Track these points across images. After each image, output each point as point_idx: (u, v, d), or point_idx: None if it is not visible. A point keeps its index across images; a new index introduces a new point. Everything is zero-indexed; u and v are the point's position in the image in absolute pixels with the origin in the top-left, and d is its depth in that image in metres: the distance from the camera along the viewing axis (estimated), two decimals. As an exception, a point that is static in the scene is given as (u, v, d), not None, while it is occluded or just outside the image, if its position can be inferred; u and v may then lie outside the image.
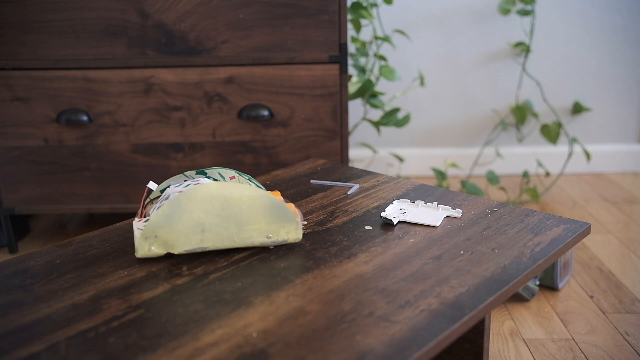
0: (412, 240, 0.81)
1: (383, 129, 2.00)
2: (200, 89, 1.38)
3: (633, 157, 2.02)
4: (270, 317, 0.64)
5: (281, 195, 0.83)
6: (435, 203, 0.92)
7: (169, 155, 1.42)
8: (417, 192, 0.99)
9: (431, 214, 0.89)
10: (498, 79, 1.96)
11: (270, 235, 0.78)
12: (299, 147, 1.41)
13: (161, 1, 1.33)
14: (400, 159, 1.84)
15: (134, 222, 0.81)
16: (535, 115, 1.91)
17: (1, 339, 0.61)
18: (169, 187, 0.81)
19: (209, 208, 0.76)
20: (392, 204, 0.94)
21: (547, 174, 1.89)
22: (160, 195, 0.82)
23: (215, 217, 0.76)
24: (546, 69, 1.95)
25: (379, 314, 0.64)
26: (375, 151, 1.85)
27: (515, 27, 1.91)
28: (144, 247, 0.75)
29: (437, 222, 0.86)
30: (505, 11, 1.81)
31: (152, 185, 0.80)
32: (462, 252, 0.77)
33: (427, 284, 0.70)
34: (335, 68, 1.37)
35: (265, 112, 1.38)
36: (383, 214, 0.87)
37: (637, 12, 1.91)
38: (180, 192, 0.78)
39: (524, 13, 1.78)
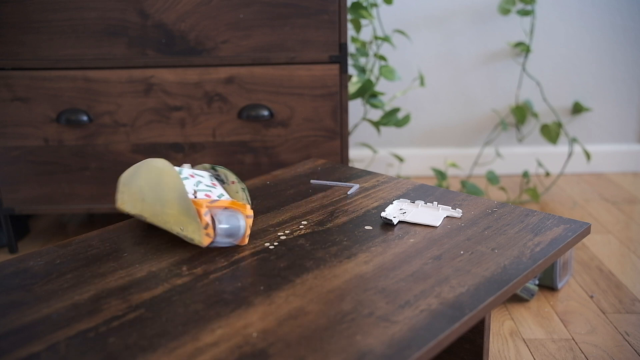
0: (412, 240, 0.81)
1: (383, 129, 2.00)
2: (200, 89, 1.38)
3: (633, 157, 2.02)
4: (270, 317, 0.64)
5: (247, 208, 0.82)
6: (435, 203, 0.92)
7: (169, 155, 1.42)
8: (417, 192, 0.99)
9: (431, 214, 0.89)
10: (498, 79, 1.96)
11: (182, 227, 0.80)
12: (299, 147, 1.41)
13: (161, 1, 1.33)
14: (400, 159, 1.84)
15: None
16: (535, 115, 1.91)
17: (1, 339, 0.61)
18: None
19: (149, 180, 0.83)
20: (392, 204, 0.94)
21: (547, 174, 1.89)
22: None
23: (151, 191, 0.83)
24: (546, 69, 1.95)
25: (379, 314, 0.64)
26: (375, 151, 1.85)
27: (515, 27, 1.91)
28: (118, 199, 0.87)
29: (437, 222, 0.86)
30: (505, 11, 1.81)
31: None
32: (462, 252, 0.77)
33: (427, 284, 0.70)
34: (335, 68, 1.37)
35: (265, 112, 1.38)
36: (383, 214, 0.87)
37: (637, 12, 1.91)
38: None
39: (524, 13, 1.78)
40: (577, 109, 1.96)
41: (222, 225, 0.77)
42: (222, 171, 0.87)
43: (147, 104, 1.39)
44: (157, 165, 0.83)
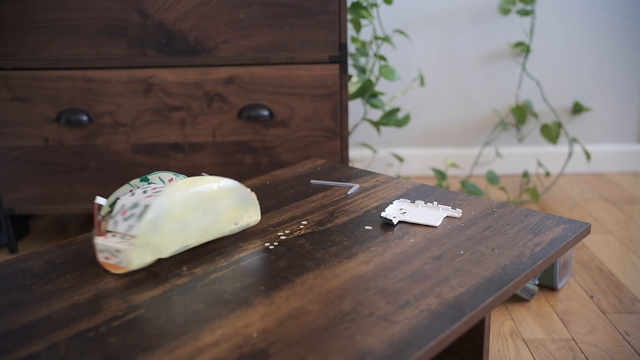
0: (412, 240, 0.81)
1: (383, 129, 2.00)
2: (200, 89, 1.38)
3: (633, 157, 2.02)
4: (270, 317, 0.64)
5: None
6: (435, 203, 0.92)
7: (169, 155, 1.42)
8: (417, 192, 0.99)
9: (431, 214, 0.89)
10: (498, 79, 1.96)
11: (237, 221, 0.82)
12: (299, 147, 1.41)
13: (161, 1, 1.33)
14: (400, 159, 1.84)
15: (96, 240, 0.74)
16: (535, 115, 1.91)
17: (1, 339, 0.61)
18: (117, 199, 0.78)
19: (188, 205, 0.76)
20: (392, 204, 0.94)
21: (547, 174, 1.89)
22: (112, 210, 0.78)
23: (194, 213, 0.77)
24: (546, 69, 1.95)
25: (379, 314, 0.64)
26: (375, 151, 1.85)
27: (515, 27, 1.91)
28: (139, 259, 0.73)
29: (437, 222, 0.86)
30: (505, 11, 1.81)
31: (101, 200, 0.77)
32: (462, 252, 0.77)
33: (427, 284, 0.70)
34: (335, 68, 1.37)
35: (265, 112, 1.38)
36: (383, 214, 0.87)
37: (637, 12, 1.91)
38: (149, 196, 0.76)
39: (524, 13, 1.78)
40: (577, 109, 1.96)
41: None
42: (154, 176, 0.85)
43: (147, 104, 1.39)
44: (187, 183, 0.77)
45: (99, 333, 0.61)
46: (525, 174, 1.83)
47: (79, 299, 0.68)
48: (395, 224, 0.86)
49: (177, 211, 0.75)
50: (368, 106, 1.98)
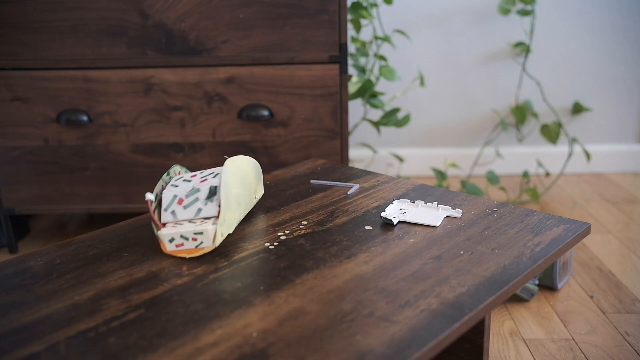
0: (412, 240, 0.81)
1: (383, 129, 2.00)
2: (200, 89, 1.38)
3: (633, 157, 2.02)
4: (270, 317, 0.64)
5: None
6: (435, 203, 0.92)
7: (169, 155, 1.42)
8: (417, 192, 0.99)
9: (431, 214, 0.89)
10: (498, 79, 1.96)
11: (256, 195, 0.89)
12: (299, 147, 1.41)
13: (161, 1, 1.33)
14: (400, 159, 1.84)
15: (162, 232, 0.77)
16: (535, 115, 1.91)
17: (1, 339, 0.61)
18: (159, 193, 0.83)
19: (239, 182, 0.83)
20: (392, 204, 0.94)
21: (547, 174, 1.89)
22: (159, 200, 0.84)
23: (241, 189, 0.84)
24: (546, 69, 1.95)
25: (379, 314, 0.64)
26: (375, 151, 1.85)
27: (515, 27, 1.91)
28: (219, 235, 0.77)
29: (437, 222, 0.86)
30: (505, 11, 1.81)
31: (150, 196, 0.80)
32: (462, 252, 0.77)
33: (427, 284, 0.70)
34: (335, 68, 1.37)
35: (265, 112, 1.38)
36: (383, 214, 0.87)
37: (637, 12, 1.91)
38: (204, 180, 0.82)
39: (524, 13, 1.78)
40: (577, 109, 1.96)
41: None
42: (173, 170, 0.88)
43: (147, 104, 1.39)
44: (234, 167, 0.82)
45: (99, 333, 0.61)
46: (525, 174, 1.83)
47: (79, 299, 0.68)
48: (395, 224, 0.86)
49: (235, 188, 0.82)
50: (368, 106, 1.98)
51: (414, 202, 0.93)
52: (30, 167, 1.42)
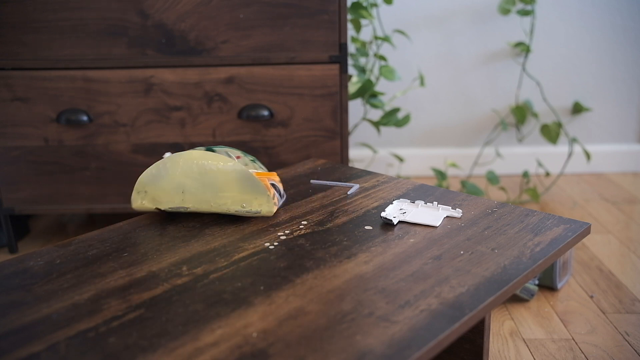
0: (412, 240, 0.81)
1: (383, 129, 2.00)
2: (200, 89, 1.38)
3: (633, 157, 2.02)
4: (270, 317, 0.64)
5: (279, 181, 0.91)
6: (435, 203, 0.92)
7: (169, 155, 1.42)
8: (417, 192, 0.99)
9: (431, 214, 0.89)
10: (498, 79, 1.96)
11: (244, 205, 0.87)
12: (299, 147, 1.41)
13: (161, 1, 1.33)
14: (400, 159, 1.84)
15: None
16: (535, 115, 1.91)
17: (1, 339, 0.61)
18: None
19: (188, 172, 0.86)
20: (392, 204, 0.94)
21: (547, 174, 1.89)
22: None
23: (194, 181, 0.86)
24: (546, 69, 1.95)
25: (379, 314, 0.64)
26: (375, 151, 1.85)
27: (515, 27, 1.91)
28: (137, 200, 0.88)
29: (437, 222, 0.86)
30: (505, 11, 1.81)
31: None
32: (462, 252, 0.77)
33: (427, 284, 0.70)
34: (335, 68, 1.37)
35: (265, 112, 1.38)
36: (383, 214, 0.87)
37: (637, 12, 1.91)
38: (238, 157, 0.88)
39: (524, 13, 1.78)
40: (577, 109, 1.96)
41: (282, 192, 0.88)
42: (221, 150, 0.92)
43: (147, 104, 1.39)
44: (195, 155, 0.86)
45: (99, 333, 0.61)
46: (525, 174, 1.83)
47: (79, 299, 0.68)
48: (395, 224, 0.86)
49: (176, 173, 0.86)
50: (368, 106, 1.98)
51: (414, 202, 0.93)
52: (30, 167, 1.42)
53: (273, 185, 0.88)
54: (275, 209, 0.87)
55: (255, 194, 0.86)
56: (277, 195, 0.88)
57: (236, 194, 0.86)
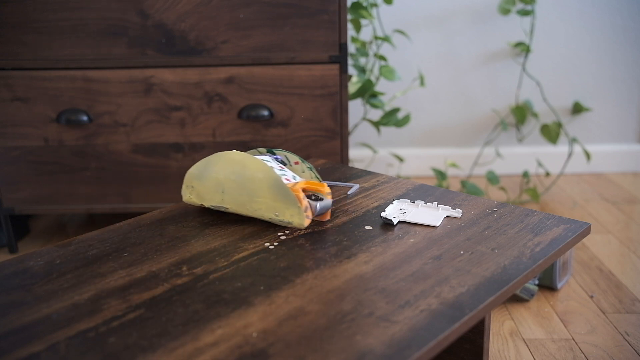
0: (412, 240, 0.81)
1: (383, 129, 2.00)
2: (200, 89, 1.38)
3: (633, 157, 2.02)
4: (270, 317, 0.64)
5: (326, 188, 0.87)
6: (435, 203, 0.92)
7: (169, 155, 1.42)
8: (417, 192, 0.99)
9: (431, 214, 0.89)
10: (498, 79, 1.96)
11: (277, 213, 0.84)
12: (299, 147, 1.41)
13: (161, 1, 1.33)
14: (400, 159, 1.84)
15: None
16: (535, 115, 1.91)
17: (1, 339, 0.61)
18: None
19: (228, 172, 0.86)
20: (392, 204, 0.94)
21: (547, 174, 1.89)
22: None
23: (232, 182, 0.86)
24: (546, 69, 1.95)
25: (379, 314, 0.64)
26: (375, 151, 1.85)
27: (515, 27, 1.91)
28: (186, 194, 0.89)
29: (437, 222, 0.86)
30: (505, 11, 1.81)
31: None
32: (462, 252, 0.77)
33: (427, 284, 0.70)
34: (335, 68, 1.37)
35: (265, 112, 1.38)
36: (383, 214, 0.87)
37: (637, 12, 1.91)
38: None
39: (524, 13, 1.78)
40: (577, 109, 1.96)
41: (318, 206, 0.85)
42: (281, 153, 0.92)
43: (147, 104, 1.39)
44: (235, 157, 0.86)
45: (99, 333, 0.61)
46: (525, 174, 1.83)
47: (79, 299, 0.68)
48: (395, 224, 0.86)
49: (219, 172, 0.87)
50: (368, 106, 1.98)
51: (414, 202, 0.93)
52: (30, 167, 1.42)
53: (312, 196, 0.85)
54: (307, 222, 0.83)
55: (287, 204, 0.83)
56: (311, 208, 0.84)
57: (269, 201, 0.84)
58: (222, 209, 0.87)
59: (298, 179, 0.88)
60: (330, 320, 0.63)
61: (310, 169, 0.92)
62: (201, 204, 0.89)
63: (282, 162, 0.93)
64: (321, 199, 0.85)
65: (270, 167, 0.84)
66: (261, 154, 0.93)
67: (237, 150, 1.41)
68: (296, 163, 0.92)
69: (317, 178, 0.93)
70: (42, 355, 0.58)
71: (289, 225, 0.84)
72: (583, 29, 1.92)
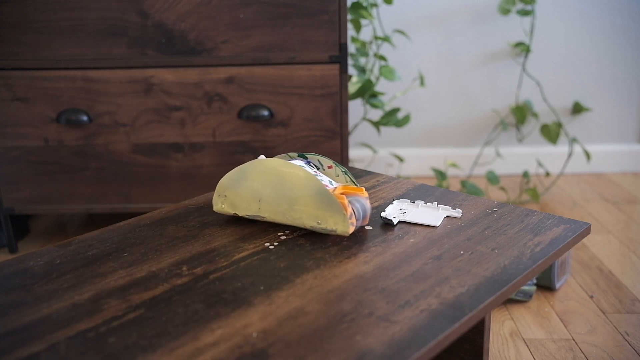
0: (412, 240, 0.81)
1: (383, 129, 2.00)
2: (200, 89, 1.38)
3: (633, 157, 2.02)
4: (270, 317, 0.64)
5: (364, 191, 0.85)
6: (435, 203, 0.92)
7: (169, 155, 1.42)
8: (417, 192, 0.99)
9: (431, 214, 0.89)
10: (498, 79, 1.96)
11: (319, 221, 0.82)
12: (299, 147, 1.41)
13: (161, 1, 1.33)
14: (400, 159, 1.84)
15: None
16: (535, 115, 1.91)
17: (1, 339, 0.61)
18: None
19: (266, 180, 0.83)
20: (392, 204, 0.94)
21: (547, 174, 1.89)
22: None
23: (270, 190, 0.83)
24: (546, 69, 1.95)
25: (379, 314, 0.64)
26: (375, 151, 1.85)
27: (515, 27, 1.91)
28: (217, 204, 0.86)
29: (437, 222, 0.86)
30: (505, 11, 1.81)
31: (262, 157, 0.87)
32: (462, 252, 0.77)
33: (427, 284, 0.70)
34: (335, 68, 1.37)
35: (265, 112, 1.38)
36: (383, 214, 0.87)
37: (637, 12, 1.91)
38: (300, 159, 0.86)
39: (524, 13, 1.78)
40: (577, 109, 1.96)
41: (361, 211, 0.82)
42: (314, 157, 0.90)
43: (147, 104, 1.39)
44: (273, 165, 0.83)
45: (99, 333, 0.61)
46: (525, 174, 1.83)
47: (79, 299, 0.68)
48: (395, 224, 0.86)
49: (255, 180, 0.84)
50: (368, 106, 1.98)
51: (414, 202, 0.93)
52: (30, 167, 1.42)
53: (354, 201, 0.82)
54: (351, 230, 0.81)
55: (331, 212, 0.81)
56: (355, 214, 0.82)
57: (311, 209, 0.81)
58: (259, 219, 0.85)
59: (334, 184, 0.85)
60: (330, 320, 0.63)
61: (345, 172, 0.89)
62: (234, 214, 0.86)
63: (316, 167, 0.90)
64: (362, 209, 0.83)
65: (312, 175, 0.81)
66: (292, 158, 0.90)
67: (237, 150, 1.41)
68: (330, 167, 0.89)
69: (353, 182, 0.90)
70: (42, 355, 0.58)
71: (332, 233, 0.82)
72: (583, 29, 1.92)
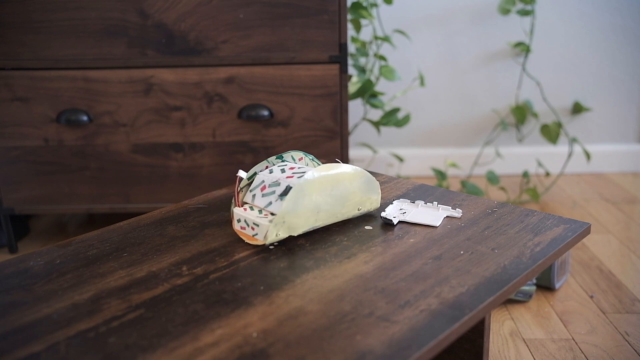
0: (412, 240, 0.81)
1: (383, 129, 2.00)
2: (200, 89, 1.38)
3: (633, 157, 2.02)
4: (270, 317, 0.64)
5: None
6: (435, 203, 0.92)
7: (169, 155, 1.42)
8: (417, 192, 0.99)
9: (431, 214, 0.89)
10: (498, 79, 1.96)
11: (360, 207, 0.87)
12: (299, 147, 1.41)
13: (161, 1, 1.33)
14: (400, 159, 1.84)
15: (235, 209, 0.82)
16: (535, 115, 1.91)
17: (1, 339, 0.61)
18: (255, 173, 0.87)
19: (323, 190, 0.83)
20: (392, 204, 0.94)
21: (547, 174, 1.89)
22: (251, 182, 0.86)
23: (328, 197, 0.83)
24: (546, 69, 1.95)
25: (379, 314, 0.64)
26: (375, 151, 1.85)
27: (515, 27, 1.91)
28: (272, 234, 0.80)
29: (437, 222, 0.86)
30: (505, 11, 1.81)
31: (242, 174, 0.85)
32: (462, 252, 0.77)
33: (427, 284, 0.70)
34: (335, 68, 1.37)
35: (265, 112, 1.38)
36: (383, 214, 0.87)
37: (637, 12, 1.91)
38: (289, 176, 0.84)
39: (524, 13, 1.78)
40: (577, 109, 1.96)
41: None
42: (287, 154, 0.91)
43: (147, 104, 1.39)
44: (322, 172, 0.82)
45: (99, 333, 0.61)
46: (525, 174, 1.83)
47: (79, 299, 0.68)
48: (395, 224, 0.86)
49: (313, 195, 0.82)
50: (368, 106, 1.98)
51: (414, 202, 0.93)
52: (30, 167, 1.42)
53: None
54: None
55: (370, 194, 0.87)
56: None
57: (357, 198, 0.86)
58: (312, 229, 0.83)
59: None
60: (330, 320, 0.63)
61: (312, 159, 0.92)
62: (289, 235, 0.82)
63: (294, 161, 0.92)
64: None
65: (355, 167, 0.85)
66: (270, 163, 0.90)
67: (238, 150, 1.41)
68: (300, 159, 0.92)
69: (319, 163, 0.93)
70: (42, 355, 0.58)
71: (368, 213, 0.88)
72: (583, 29, 1.92)
